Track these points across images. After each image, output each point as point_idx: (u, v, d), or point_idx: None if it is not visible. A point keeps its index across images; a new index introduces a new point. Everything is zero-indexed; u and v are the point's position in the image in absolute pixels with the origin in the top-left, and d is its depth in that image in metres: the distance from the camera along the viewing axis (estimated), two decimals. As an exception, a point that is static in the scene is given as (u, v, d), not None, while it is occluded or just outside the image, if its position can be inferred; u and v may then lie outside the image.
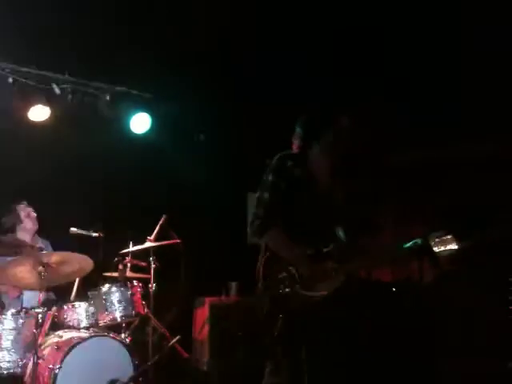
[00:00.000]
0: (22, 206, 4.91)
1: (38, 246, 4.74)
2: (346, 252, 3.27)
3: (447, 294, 5.00)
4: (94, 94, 5.77)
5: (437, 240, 3.32)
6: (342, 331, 3.25)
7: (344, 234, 3.35)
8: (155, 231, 5.12)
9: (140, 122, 5.99)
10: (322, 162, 3.37)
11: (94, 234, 4.94)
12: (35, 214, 4.93)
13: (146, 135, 5.88)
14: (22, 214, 4.89)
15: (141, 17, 4.88)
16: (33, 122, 5.53)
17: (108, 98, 5.82)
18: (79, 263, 4.32)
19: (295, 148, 3.41)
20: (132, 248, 4.96)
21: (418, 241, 3.37)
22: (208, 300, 5.81)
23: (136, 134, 5.90)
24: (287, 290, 3.16)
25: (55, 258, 4.20)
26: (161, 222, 5.18)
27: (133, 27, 4.96)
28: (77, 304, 4.59)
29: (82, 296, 4.71)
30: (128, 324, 4.73)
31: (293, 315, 3.17)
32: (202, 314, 5.83)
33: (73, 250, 4.32)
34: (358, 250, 3.35)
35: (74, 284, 4.76)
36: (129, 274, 4.94)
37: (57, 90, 5.53)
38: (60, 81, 5.51)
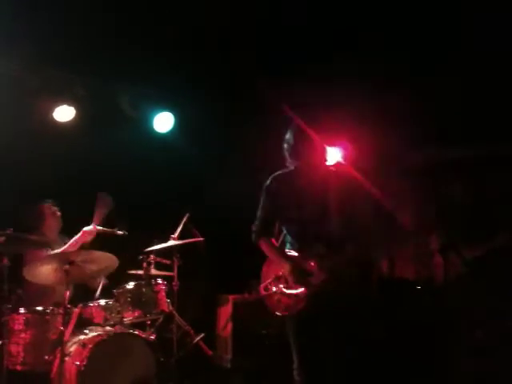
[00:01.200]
0: (47, 205, 4.99)
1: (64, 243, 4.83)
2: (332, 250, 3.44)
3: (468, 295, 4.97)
4: (117, 94, 5.85)
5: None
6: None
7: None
8: (178, 229, 5.15)
9: (163, 121, 6.04)
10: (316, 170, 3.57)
11: (119, 232, 4.98)
12: (60, 213, 5.01)
13: (169, 134, 5.93)
14: (47, 213, 4.96)
15: (166, 16, 4.91)
16: (57, 122, 5.61)
17: (130, 97, 5.89)
18: (105, 261, 4.37)
19: (286, 160, 3.65)
20: (156, 246, 4.99)
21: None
22: (231, 298, 5.83)
23: (159, 133, 5.95)
24: (275, 290, 3.52)
25: (81, 256, 4.26)
26: (184, 221, 5.21)
27: (157, 27, 4.99)
28: (102, 301, 4.67)
29: (107, 294, 4.78)
30: (152, 321, 4.77)
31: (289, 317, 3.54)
32: (226, 311, 5.85)
33: (97, 248, 4.38)
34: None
35: (99, 282, 4.81)
36: (153, 271, 4.98)
37: (81, 91, 5.61)
38: (84, 81, 5.58)
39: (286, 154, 3.60)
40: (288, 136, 3.60)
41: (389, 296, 5.21)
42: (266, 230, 3.68)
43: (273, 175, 3.66)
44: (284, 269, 3.48)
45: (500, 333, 4.56)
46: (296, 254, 3.54)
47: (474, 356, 4.55)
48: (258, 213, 3.71)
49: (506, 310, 4.56)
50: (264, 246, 3.67)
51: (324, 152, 3.59)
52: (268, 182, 3.66)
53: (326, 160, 3.64)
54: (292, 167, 3.59)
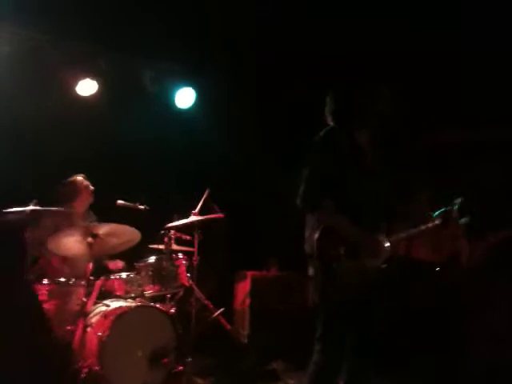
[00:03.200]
0: (80, 178, 5.03)
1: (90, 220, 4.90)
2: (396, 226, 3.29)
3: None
4: (139, 69, 5.86)
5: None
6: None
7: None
8: (199, 205, 5.18)
9: (184, 97, 6.06)
10: (364, 135, 3.34)
11: (141, 207, 5.03)
12: (93, 188, 5.06)
13: (190, 110, 5.94)
14: (82, 187, 5.01)
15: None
16: (80, 96, 5.64)
17: (152, 73, 5.90)
18: (127, 235, 4.44)
19: (331, 122, 3.35)
20: (177, 222, 5.04)
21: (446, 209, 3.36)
22: (250, 274, 5.88)
23: (181, 109, 5.97)
24: (346, 264, 3.13)
25: (104, 229, 4.32)
26: (205, 196, 5.24)
27: (180, 2, 4.98)
28: (124, 274, 4.74)
29: (129, 267, 4.85)
30: (172, 295, 4.83)
31: (350, 294, 3.16)
32: (244, 287, 5.90)
33: (119, 222, 4.43)
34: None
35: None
36: (174, 246, 5.02)
37: (103, 65, 5.63)
38: (106, 56, 5.60)
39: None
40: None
41: (405, 277, 5.22)
42: (327, 193, 3.14)
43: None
44: (358, 242, 3.15)
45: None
46: None
47: (489, 342, 4.56)
48: (314, 168, 3.20)
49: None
50: (329, 212, 3.13)
51: None
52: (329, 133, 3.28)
53: None
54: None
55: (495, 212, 4.97)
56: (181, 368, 4.49)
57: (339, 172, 3.19)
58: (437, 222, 3.39)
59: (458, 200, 3.40)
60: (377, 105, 3.30)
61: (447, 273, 5.33)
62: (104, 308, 4.44)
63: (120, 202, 5.00)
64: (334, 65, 5.07)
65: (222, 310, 5.22)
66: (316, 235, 3.15)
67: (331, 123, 3.36)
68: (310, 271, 3.26)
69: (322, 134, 3.30)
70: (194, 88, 6.02)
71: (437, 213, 3.41)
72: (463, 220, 3.46)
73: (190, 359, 4.66)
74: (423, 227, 3.40)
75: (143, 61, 5.85)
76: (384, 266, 3.22)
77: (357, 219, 3.16)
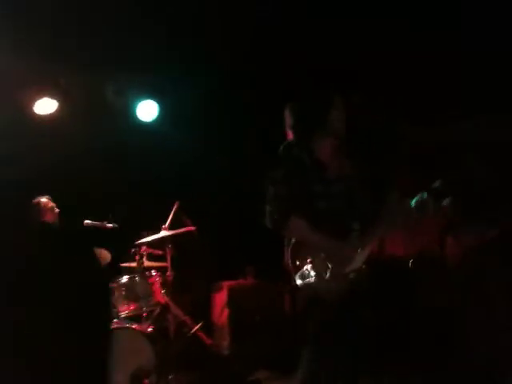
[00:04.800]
0: (45, 200, 4.84)
1: None
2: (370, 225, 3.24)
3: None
4: (99, 83, 5.73)
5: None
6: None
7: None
8: (169, 219, 5.09)
9: (147, 110, 5.95)
10: (330, 144, 3.31)
11: (109, 225, 4.91)
12: (58, 210, 4.86)
13: (155, 123, 5.84)
14: (45, 208, 4.80)
15: (151, 3, 4.81)
16: (39, 115, 5.49)
17: (114, 86, 5.78)
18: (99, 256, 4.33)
19: (292, 137, 3.33)
20: (148, 238, 4.93)
21: (424, 194, 3.32)
22: (226, 284, 5.81)
23: (145, 122, 5.86)
24: (318, 275, 3.14)
25: (72, 252, 4.20)
26: (174, 209, 5.15)
27: (141, 14, 4.89)
28: (96, 296, 4.62)
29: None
30: (149, 313, 4.73)
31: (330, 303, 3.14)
32: (221, 298, 5.83)
33: (87, 243, 4.31)
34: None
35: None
36: (146, 263, 4.92)
37: (62, 82, 5.49)
38: (65, 72, 5.46)
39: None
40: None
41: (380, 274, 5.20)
42: (293, 209, 3.15)
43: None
44: (328, 251, 3.14)
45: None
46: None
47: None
48: (276, 188, 3.21)
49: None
50: (298, 225, 3.14)
51: None
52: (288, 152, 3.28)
53: None
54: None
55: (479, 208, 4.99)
56: (162, 387, 4.41)
57: (301, 186, 3.20)
58: (413, 213, 3.34)
59: (436, 184, 3.37)
60: (331, 113, 3.26)
61: (423, 264, 5.35)
62: (79, 333, 4.32)
63: (87, 221, 4.88)
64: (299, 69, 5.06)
65: (200, 324, 5.13)
66: (288, 252, 3.19)
67: (292, 137, 3.34)
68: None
69: (279, 150, 3.30)
70: (156, 101, 5.91)
71: (413, 201, 3.37)
72: (444, 203, 3.40)
73: (171, 377, 4.57)
74: (400, 222, 3.37)
75: (105, 75, 5.71)
76: (363, 267, 3.18)
77: (327, 228, 3.16)
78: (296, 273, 3.17)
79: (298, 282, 3.16)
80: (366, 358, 3.30)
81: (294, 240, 3.20)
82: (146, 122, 5.94)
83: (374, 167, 3.48)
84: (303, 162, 3.24)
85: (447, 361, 4.38)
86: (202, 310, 5.72)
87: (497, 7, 4.44)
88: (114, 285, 4.67)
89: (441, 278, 5.01)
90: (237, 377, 5.12)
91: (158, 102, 5.90)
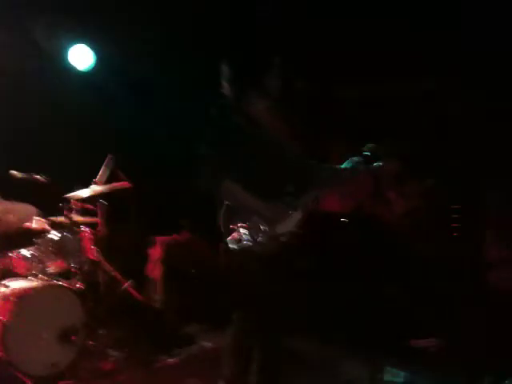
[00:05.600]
0: None
1: None
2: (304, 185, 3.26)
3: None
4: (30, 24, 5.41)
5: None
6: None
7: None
8: (100, 173, 4.93)
9: (81, 56, 5.68)
10: (264, 105, 3.28)
11: (38, 177, 4.73)
12: None
13: (91, 72, 5.59)
14: None
15: None
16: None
17: (45, 28, 5.47)
18: (23, 212, 4.19)
19: (225, 90, 3.29)
20: (78, 192, 4.78)
21: (355, 158, 3.35)
22: (160, 239, 5.74)
23: (80, 71, 5.61)
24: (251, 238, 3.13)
25: (-3, 207, 4.05)
26: (106, 163, 4.99)
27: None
28: (23, 251, 4.47)
29: (28, 243, 4.58)
30: (79, 270, 4.63)
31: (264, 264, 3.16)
32: (155, 253, 5.77)
33: (19, 196, 4.16)
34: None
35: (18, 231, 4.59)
36: (76, 218, 4.78)
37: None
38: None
39: None
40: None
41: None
42: (225, 171, 3.17)
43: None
44: (261, 213, 3.14)
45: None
46: None
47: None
48: (208, 150, 3.21)
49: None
50: (230, 188, 3.17)
51: None
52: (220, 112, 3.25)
53: None
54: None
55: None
56: (91, 343, 4.37)
57: (234, 147, 3.17)
58: (346, 174, 3.35)
59: (370, 145, 3.39)
60: (267, 74, 3.25)
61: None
62: (3, 289, 4.19)
63: (14, 172, 4.66)
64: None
65: (130, 281, 5.07)
66: (221, 215, 3.19)
67: (226, 91, 3.29)
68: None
69: (212, 111, 3.25)
70: (93, 48, 5.64)
71: (345, 163, 3.38)
72: (376, 164, 3.41)
73: (101, 332, 4.54)
74: (332, 184, 3.37)
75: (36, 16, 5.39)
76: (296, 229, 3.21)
77: (260, 191, 3.15)
78: (229, 236, 3.16)
79: (231, 245, 3.16)
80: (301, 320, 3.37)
81: (227, 203, 3.19)
82: (82, 71, 5.69)
83: (308, 130, 3.47)
84: (236, 123, 3.20)
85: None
86: (135, 265, 5.66)
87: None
88: (42, 239, 4.54)
89: (376, 234, 5.14)
90: (169, 330, 5.13)
91: (94, 51, 5.64)
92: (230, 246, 3.17)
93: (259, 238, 3.15)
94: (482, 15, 4.45)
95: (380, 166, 3.42)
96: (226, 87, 3.31)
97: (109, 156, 4.99)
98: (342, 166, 3.37)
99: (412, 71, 5.03)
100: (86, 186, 4.85)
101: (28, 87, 5.35)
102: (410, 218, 5.05)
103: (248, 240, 3.15)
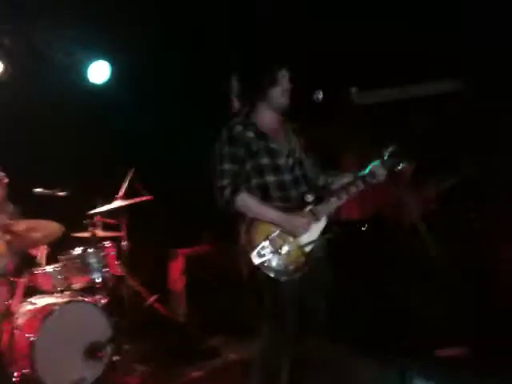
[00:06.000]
0: None
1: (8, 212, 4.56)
2: (323, 194, 3.28)
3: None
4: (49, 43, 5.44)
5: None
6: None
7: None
8: (123, 187, 4.95)
9: (99, 71, 5.70)
10: (274, 117, 3.35)
11: (60, 193, 4.75)
12: (7, 180, 4.57)
13: (106, 85, 5.61)
14: None
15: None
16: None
17: (65, 45, 5.50)
18: (48, 229, 4.22)
19: (235, 104, 3.37)
20: (102, 208, 4.80)
21: (376, 162, 3.33)
22: (181, 252, 5.76)
23: (96, 85, 5.62)
24: (274, 252, 3.13)
25: (22, 225, 4.09)
26: (129, 177, 5.02)
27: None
28: (48, 268, 4.48)
29: (52, 260, 4.60)
30: (103, 285, 4.64)
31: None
32: (177, 266, 5.78)
33: (41, 212, 4.17)
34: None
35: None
36: (100, 233, 4.80)
37: (7, 42, 5.19)
38: (11, 31, 5.16)
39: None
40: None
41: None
42: (241, 185, 3.17)
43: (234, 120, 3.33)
44: (281, 225, 3.14)
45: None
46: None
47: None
48: (223, 166, 3.20)
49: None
50: (247, 201, 3.14)
51: None
52: (231, 127, 3.26)
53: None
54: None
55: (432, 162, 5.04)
56: (118, 358, 4.37)
57: (247, 161, 3.21)
58: (366, 180, 3.32)
59: (389, 149, 3.37)
60: (273, 87, 3.29)
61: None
62: (30, 307, 4.23)
63: (37, 190, 4.69)
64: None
65: (155, 296, 5.08)
66: (243, 231, 3.15)
67: (237, 106, 3.37)
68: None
69: (224, 129, 3.27)
70: (109, 61, 5.66)
71: (367, 168, 3.36)
72: (400, 166, 3.40)
73: (126, 347, 4.54)
74: (354, 191, 3.33)
75: (54, 34, 5.42)
76: (327, 236, 3.24)
77: (281, 201, 3.21)
78: (252, 251, 3.12)
79: (255, 260, 3.13)
80: (328, 327, 3.34)
81: (247, 219, 3.16)
82: (98, 85, 5.71)
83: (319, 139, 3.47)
84: (247, 137, 3.23)
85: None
86: (157, 279, 5.67)
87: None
88: (67, 255, 4.56)
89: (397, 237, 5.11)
90: (193, 343, 5.13)
91: (110, 63, 5.67)
92: (254, 260, 3.15)
93: (281, 251, 3.15)
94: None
95: (400, 169, 3.40)
96: (235, 102, 3.38)
97: (130, 170, 5.01)
98: (363, 172, 3.35)
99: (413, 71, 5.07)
100: (109, 201, 4.87)
101: (49, 104, 5.37)
102: (425, 220, 5.03)
103: (271, 253, 3.13)
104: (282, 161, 3.27)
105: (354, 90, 3.50)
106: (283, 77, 3.31)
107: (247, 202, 3.14)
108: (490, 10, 4.49)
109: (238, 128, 3.24)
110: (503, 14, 4.46)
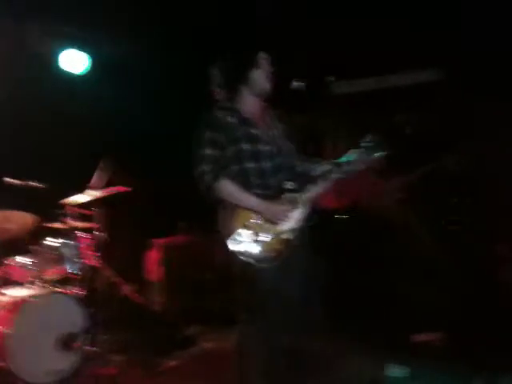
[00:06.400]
0: None
1: None
2: (303, 182, 3.28)
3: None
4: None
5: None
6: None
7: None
8: (94, 177, 4.89)
9: (74, 61, 5.65)
10: (257, 103, 3.34)
11: (33, 184, 4.68)
12: None
13: (87, 75, 5.55)
14: None
15: None
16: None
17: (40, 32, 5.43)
18: (21, 220, 4.15)
19: (218, 95, 3.35)
20: (75, 198, 4.75)
21: (355, 150, 3.34)
22: (157, 242, 5.73)
23: (75, 75, 5.57)
24: (251, 238, 3.13)
25: (-6, 217, 4.02)
26: (102, 167, 4.95)
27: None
28: (19, 258, 4.42)
29: (24, 251, 4.54)
30: (78, 275, 4.60)
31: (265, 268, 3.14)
32: (153, 256, 5.76)
33: (13, 203, 4.11)
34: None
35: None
36: (75, 224, 4.74)
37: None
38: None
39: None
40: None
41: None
42: (223, 171, 3.15)
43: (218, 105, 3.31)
44: (260, 212, 3.14)
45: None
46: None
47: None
48: (204, 151, 3.18)
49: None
50: (228, 188, 3.13)
51: None
52: (214, 112, 3.25)
53: None
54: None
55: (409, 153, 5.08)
56: (94, 349, 4.34)
57: (229, 146, 3.19)
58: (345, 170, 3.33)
59: (368, 137, 3.37)
60: (253, 71, 3.29)
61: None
62: (1, 298, 4.17)
63: (8, 179, 4.61)
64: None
65: (132, 286, 5.05)
66: (221, 218, 3.15)
67: (219, 96, 3.34)
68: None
69: (206, 114, 3.25)
70: (87, 51, 5.61)
71: (344, 157, 3.37)
72: (377, 155, 3.40)
73: (103, 338, 4.52)
74: (333, 177, 3.33)
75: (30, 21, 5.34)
76: (307, 224, 3.25)
77: (260, 188, 3.19)
78: (230, 238, 3.12)
79: (233, 247, 3.12)
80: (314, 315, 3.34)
81: (225, 204, 3.16)
82: (75, 75, 5.65)
83: (302, 127, 3.46)
84: (229, 122, 3.22)
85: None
86: (134, 269, 5.65)
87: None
88: (40, 246, 4.50)
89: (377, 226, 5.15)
90: (170, 333, 5.12)
91: (90, 54, 5.61)
92: (230, 247, 3.14)
93: (260, 238, 3.15)
94: (482, 15, 4.46)
95: (378, 157, 3.40)
96: (217, 91, 3.35)
97: (102, 160, 4.95)
98: (342, 160, 3.36)
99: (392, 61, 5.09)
100: (82, 191, 4.81)
101: (23, 91, 5.28)
102: (397, 209, 5.08)
103: (248, 241, 3.13)
104: (262, 147, 3.25)
105: (331, 79, 3.50)
106: (263, 59, 3.30)
107: (228, 188, 3.13)
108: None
109: (220, 113, 3.23)
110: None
